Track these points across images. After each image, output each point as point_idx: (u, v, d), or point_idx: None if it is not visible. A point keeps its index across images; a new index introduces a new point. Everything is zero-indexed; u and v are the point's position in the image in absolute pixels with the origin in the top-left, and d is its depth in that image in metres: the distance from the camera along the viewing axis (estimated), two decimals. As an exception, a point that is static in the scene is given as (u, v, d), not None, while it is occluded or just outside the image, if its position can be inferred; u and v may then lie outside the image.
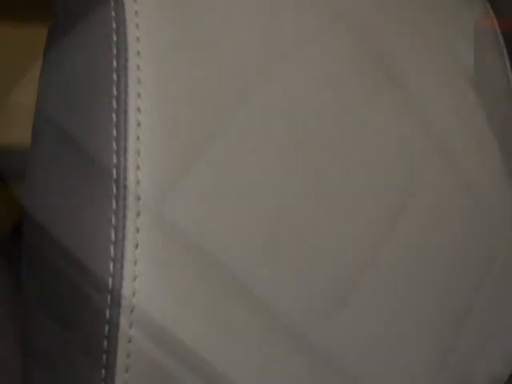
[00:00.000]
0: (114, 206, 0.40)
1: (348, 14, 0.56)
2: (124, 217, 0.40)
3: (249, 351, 0.44)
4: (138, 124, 0.41)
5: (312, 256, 0.50)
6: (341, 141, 0.53)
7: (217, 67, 0.47)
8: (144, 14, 0.42)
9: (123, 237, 0.40)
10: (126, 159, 0.41)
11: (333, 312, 0.50)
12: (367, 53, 0.56)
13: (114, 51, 0.41)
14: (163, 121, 0.43)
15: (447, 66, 0.63)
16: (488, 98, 0.64)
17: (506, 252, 0.63)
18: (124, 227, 0.40)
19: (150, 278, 0.41)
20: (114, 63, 0.41)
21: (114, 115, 0.41)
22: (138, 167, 0.41)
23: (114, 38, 0.41)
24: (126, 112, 0.41)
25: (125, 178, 0.40)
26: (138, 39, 0.42)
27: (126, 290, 0.40)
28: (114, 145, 0.40)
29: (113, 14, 0.41)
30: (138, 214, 0.41)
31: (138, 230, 0.40)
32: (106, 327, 0.39)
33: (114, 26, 0.41)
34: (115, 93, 0.41)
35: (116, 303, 0.39)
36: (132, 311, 0.40)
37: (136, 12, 0.42)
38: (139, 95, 0.41)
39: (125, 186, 0.40)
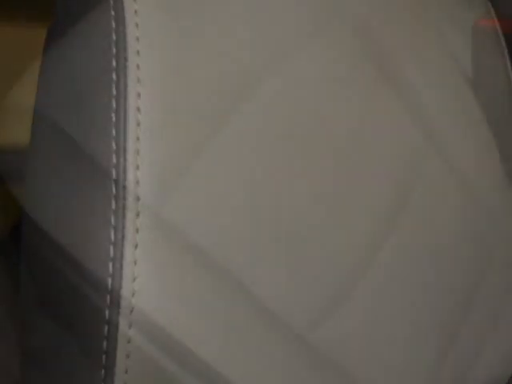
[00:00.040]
0: (113, 206, 0.40)
1: (346, 13, 0.56)
2: (123, 217, 0.40)
3: (248, 352, 0.44)
4: (138, 124, 0.41)
5: (311, 256, 0.50)
6: (340, 140, 0.53)
7: (216, 67, 0.47)
8: (144, 13, 0.42)
9: (123, 237, 0.40)
10: (125, 159, 0.40)
11: (332, 312, 0.50)
12: (366, 52, 0.56)
13: (114, 50, 0.41)
14: (163, 120, 0.43)
15: (446, 66, 0.63)
16: (487, 97, 0.64)
17: (505, 251, 0.63)
18: (123, 227, 0.40)
19: (149, 278, 0.40)
20: (114, 63, 0.41)
21: (113, 115, 0.41)
22: (137, 167, 0.41)
23: (114, 38, 0.41)
24: (125, 112, 0.41)
25: (124, 178, 0.40)
26: (137, 38, 0.42)
27: (125, 291, 0.39)
28: (114, 145, 0.40)
29: (112, 13, 0.41)
30: (138, 215, 0.41)
31: (137, 231, 0.40)
32: (106, 328, 0.39)
33: (114, 25, 0.41)
34: (115, 92, 0.41)
35: (115, 304, 0.39)
36: (131, 312, 0.40)
37: (135, 11, 0.42)
38: (139, 95, 0.41)
39: (124, 186, 0.40)
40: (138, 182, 0.41)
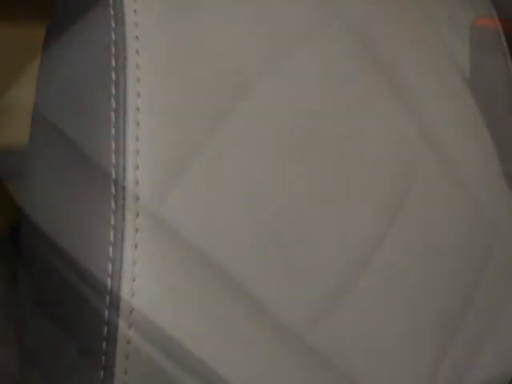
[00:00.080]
0: (112, 206, 0.40)
1: (345, 13, 0.56)
2: (123, 217, 0.40)
3: (247, 352, 0.44)
4: (137, 123, 0.41)
5: (309, 255, 0.49)
6: (338, 140, 0.53)
7: (215, 66, 0.46)
8: (143, 12, 0.42)
9: (122, 237, 0.40)
10: (124, 159, 0.40)
11: (330, 311, 0.50)
12: (364, 53, 0.56)
13: (113, 50, 0.41)
14: (162, 120, 0.43)
15: (445, 66, 0.63)
16: (486, 97, 0.64)
17: (503, 252, 0.63)
18: (123, 228, 0.40)
19: (149, 278, 0.40)
20: (113, 62, 0.41)
21: (112, 114, 0.40)
22: (137, 167, 0.41)
23: (113, 37, 0.41)
24: (125, 111, 0.41)
25: (124, 178, 0.40)
26: (137, 38, 0.41)
27: (124, 291, 0.39)
28: (113, 144, 0.40)
29: (112, 12, 0.41)
30: (137, 215, 0.41)
31: (136, 231, 0.40)
32: (105, 328, 0.39)
33: (113, 24, 0.41)
34: (114, 92, 0.41)
35: (115, 304, 0.39)
36: (131, 312, 0.39)
37: (135, 10, 0.42)
38: (138, 94, 0.41)
39: (124, 186, 0.40)
40: (137, 182, 0.41)
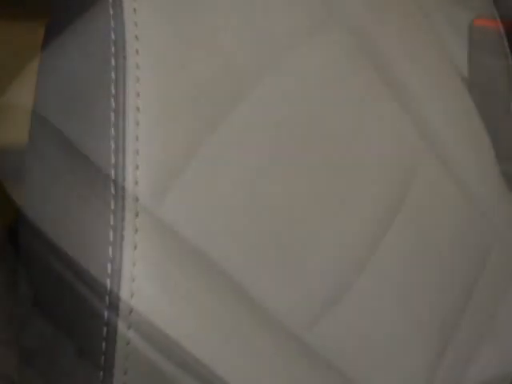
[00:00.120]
0: (112, 206, 0.40)
1: (342, 13, 0.56)
2: (122, 217, 0.40)
3: (245, 352, 0.44)
4: (137, 123, 0.41)
5: (308, 255, 0.49)
6: (337, 141, 0.53)
7: (214, 66, 0.46)
8: (143, 11, 0.42)
9: (121, 238, 0.39)
10: (124, 159, 0.40)
11: (328, 311, 0.50)
12: (361, 52, 0.56)
13: (113, 50, 0.41)
14: (162, 120, 0.43)
15: (443, 66, 0.63)
16: (484, 98, 0.64)
17: (501, 252, 0.63)
18: (122, 228, 0.40)
19: (148, 279, 0.40)
20: (113, 62, 0.41)
21: (112, 114, 0.40)
22: (136, 167, 0.41)
23: (113, 37, 0.41)
24: (124, 111, 0.40)
25: (123, 179, 0.40)
26: (136, 37, 0.41)
27: (124, 292, 0.39)
28: (113, 144, 0.40)
29: (111, 11, 0.41)
30: (137, 215, 0.40)
31: (136, 231, 0.40)
32: (104, 329, 0.39)
33: (113, 24, 0.41)
34: (114, 92, 0.40)
35: (114, 305, 0.39)
36: (130, 313, 0.39)
37: (134, 9, 0.42)
38: (138, 94, 0.41)
39: (123, 187, 0.40)
40: (137, 182, 0.41)
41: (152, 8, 0.43)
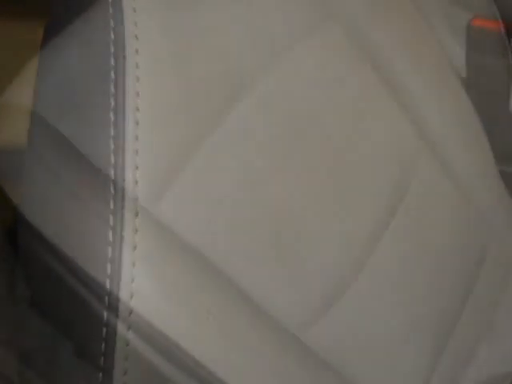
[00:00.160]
0: (111, 206, 0.40)
1: (341, 13, 0.56)
2: (122, 218, 0.39)
3: (244, 352, 0.44)
4: (137, 123, 0.41)
5: (306, 256, 0.49)
6: (335, 140, 0.53)
7: (214, 66, 0.46)
8: (142, 11, 0.42)
9: (121, 238, 0.39)
10: (124, 159, 0.40)
11: (325, 312, 0.50)
12: (360, 52, 0.56)
13: (112, 49, 0.41)
14: (162, 120, 0.42)
15: (441, 66, 0.63)
16: (483, 98, 0.64)
17: (499, 251, 0.63)
18: (122, 228, 0.39)
19: (148, 279, 0.40)
20: (112, 61, 0.40)
21: (111, 114, 0.40)
22: (136, 167, 0.40)
23: (112, 36, 0.41)
24: (124, 111, 0.40)
25: (123, 179, 0.40)
26: (136, 37, 0.41)
27: (123, 292, 0.39)
28: (112, 144, 0.40)
29: (110, 11, 0.41)
30: (136, 215, 0.40)
31: (135, 232, 0.40)
32: (104, 330, 0.39)
33: (112, 23, 0.41)
34: (113, 91, 0.40)
35: (114, 305, 0.39)
36: (130, 314, 0.39)
37: (134, 9, 0.41)
38: (138, 94, 0.41)
39: (123, 187, 0.40)
40: (136, 182, 0.40)
41: (151, 7, 0.43)
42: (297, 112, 0.51)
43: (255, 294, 0.46)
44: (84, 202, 0.40)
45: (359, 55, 0.57)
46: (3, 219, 0.43)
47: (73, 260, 0.40)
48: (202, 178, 0.45)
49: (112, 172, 0.40)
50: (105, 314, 0.39)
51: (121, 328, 0.39)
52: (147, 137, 0.41)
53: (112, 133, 0.40)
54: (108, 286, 0.39)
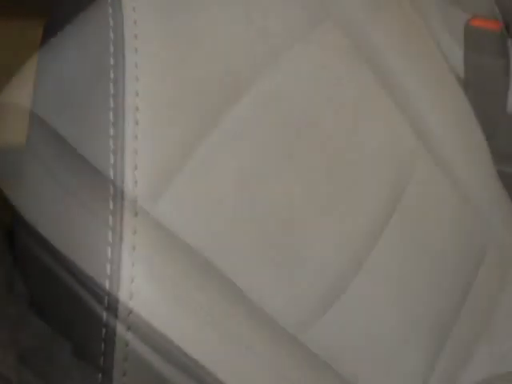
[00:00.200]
0: (111, 206, 0.39)
1: (339, 13, 0.56)
2: (121, 218, 0.39)
3: (245, 354, 0.44)
4: (136, 123, 0.40)
5: (303, 257, 0.49)
6: (333, 140, 0.53)
7: (213, 66, 0.46)
8: (142, 10, 0.42)
9: (120, 238, 0.39)
10: (123, 159, 0.40)
11: (323, 312, 0.50)
12: (358, 52, 0.56)
13: (112, 48, 0.40)
14: (161, 119, 0.42)
15: (439, 66, 0.63)
16: (480, 98, 0.64)
17: (497, 252, 0.63)
18: (121, 229, 0.39)
19: (147, 280, 0.40)
20: (112, 61, 0.40)
21: (111, 114, 0.40)
22: (135, 167, 0.40)
23: (112, 35, 0.40)
24: (123, 110, 0.40)
25: (122, 179, 0.40)
26: (135, 36, 0.41)
27: (122, 292, 0.39)
28: (112, 144, 0.40)
29: (110, 10, 0.41)
30: (136, 215, 0.40)
31: (135, 232, 0.40)
32: (103, 330, 0.39)
33: (112, 22, 0.40)
34: (112, 91, 0.40)
35: (113, 306, 0.39)
36: (129, 314, 0.39)
37: (134, 8, 0.41)
38: (137, 93, 0.41)
39: (122, 187, 0.40)
40: (136, 182, 0.40)
41: (151, 7, 0.43)
42: (295, 112, 0.51)
43: (254, 294, 0.46)
44: (83, 202, 0.40)
45: (358, 55, 0.56)
46: (1, 219, 0.43)
47: (72, 260, 0.40)
48: (201, 177, 0.45)
49: (111, 172, 0.40)
50: (104, 315, 0.39)
51: (120, 328, 0.39)
52: (147, 136, 0.41)
53: (111, 132, 0.40)
54: (107, 286, 0.39)
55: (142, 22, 0.42)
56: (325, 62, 0.54)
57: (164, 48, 0.43)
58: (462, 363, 0.59)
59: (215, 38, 0.47)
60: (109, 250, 0.39)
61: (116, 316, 0.39)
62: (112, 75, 0.40)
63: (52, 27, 0.42)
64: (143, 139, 0.41)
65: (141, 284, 0.40)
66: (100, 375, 0.39)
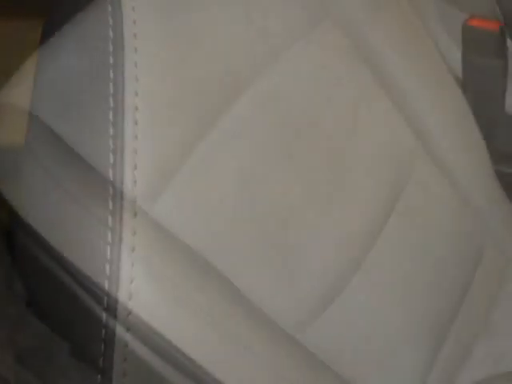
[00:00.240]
0: (110, 207, 0.39)
1: (337, 13, 0.56)
2: (121, 218, 0.39)
3: (243, 354, 0.44)
4: (136, 122, 0.40)
5: (301, 257, 0.49)
6: (331, 141, 0.53)
7: (211, 65, 0.46)
8: (141, 9, 0.42)
9: (120, 239, 0.39)
10: (123, 158, 0.40)
11: (323, 313, 0.50)
12: (357, 53, 0.56)
13: (111, 48, 0.40)
14: (160, 119, 0.42)
15: (437, 67, 0.63)
16: (478, 98, 0.64)
17: (494, 252, 0.63)
18: (121, 229, 0.39)
19: (146, 280, 0.40)
20: (111, 60, 0.40)
21: (110, 113, 0.40)
22: (135, 167, 0.40)
23: (111, 34, 0.40)
24: (123, 110, 0.40)
25: (122, 179, 0.40)
26: (135, 35, 0.41)
27: (122, 293, 0.39)
28: (111, 144, 0.40)
29: (109, 9, 0.40)
30: (135, 216, 0.40)
31: (134, 232, 0.40)
32: (103, 331, 0.39)
33: (111, 21, 0.40)
34: (112, 90, 0.40)
35: (112, 306, 0.39)
36: (128, 315, 0.39)
37: (133, 7, 0.41)
38: (136, 93, 0.41)
39: (122, 187, 0.40)
40: (135, 182, 0.40)
41: (151, 6, 0.42)
42: (294, 111, 0.51)
43: (253, 294, 0.45)
44: (82, 203, 0.40)
45: (357, 55, 0.56)
46: (1, 220, 0.43)
47: (71, 261, 0.39)
48: (200, 177, 0.45)
49: (111, 172, 0.39)
50: (103, 315, 0.39)
51: (119, 329, 0.39)
52: (146, 136, 0.41)
53: (111, 132, 0.40)
54: (107, 286, 0.39)
55: (142, 21, 0.41)
56: (324, 61, 0.54)
57: (164, 48, 0.43)
58: (461, 363, 0.59)
59: (215, 37, 0.46)
60: (108, 250, 0.39)
61: (115, 317, 0.39)
62: (111, 75, 0.40)
63: (51, 26, 0.41)
64: (143, 139, 0.41)
65: (140, 285, 0.39)
66: (99, 376, 0.39)
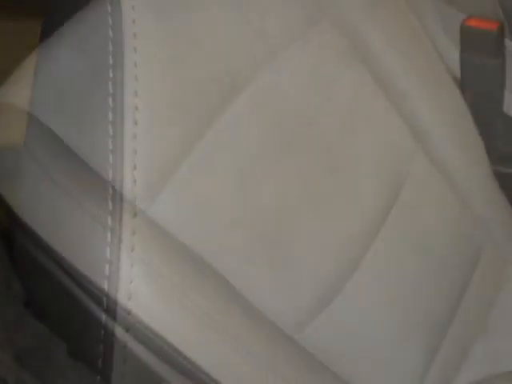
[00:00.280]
0: (110, 207, 0.39)
1: (336, 13, 0.56)
2: (120, 218, 0.39)
3: (242, 354, 0.44)
4: (135, 122, 0.40)
5: (299, 257, 0.49)
6: (328, 141, 0.53)
7: (210, 65, 0.46)
8: (141, 9, 0.41)
9: (119, 239, 0.39)
10: (122, 158, 0.40)
11: (321, 313, 0.50)
12: (355, 52, 0.56)
13: (110, 47, 0.40)
14: (160, 119, 0.42)
15: (435, 67, 0.63)
16: (476, 98, 0.64)
17: (492, 252, 0.63)
18: (120, 229, 0.39)
19: (146, 280, 0.40)
20: (110, 60, 0.40)
21: (110, 113, 0.40)
22: (134, 167, 0.40)
23: (110, 34, 0.40)
24: (122, 110, 0.40)
25: (121, 179, 0.40)
26: (134, 35, 0.41)
27: (121, 293, 0.39)
28: (111, 144, 0.40)
29: (109, 8, 0.40)
30: (134, 216, 0.40)
31: (133, 233, 0.40)
32: (102, 332, 0.39)
33: (111, 21, 0.40)
34: (111, 90, 0.40)
35: (112, 307, 0.39)
36: (128, 315, 0.39)
37: (133, 7, 0.41)
38: (136, 93, 0.40)
39: (121, 187, 0.40)
40: (135, 182, 0.40)
41: (150, 6, 0.42)
42: (292, 111, 0.51)
43: (251, 294, 0.46)
44: (81, 203, 0.40)
45: (355, 55, 0.56)
46: (0, 221, 0.42)
47: (70, 261, 0.39)
48: (199, 177, 0.44)
49: (110, 172, 0.39)
50: (103, 316, 0.39)
51: (119, 330, 0.39)
52: (146, 136, 0.41)
53: (110, 132, 0.40)
54: (106, 287, 0.38)
55: (141, 21, 0.41)
56: (322, 61, 0.54)
57: (163, 47, 0.43)
58: (459, 363, 0.59)
59: (214, 38, 0.46)
60: (108, 250, 0.39)
61: (114, 317, 0.39)
62: (111, 74, 0.40)
63: (50, 26, 0.41)
64: (142, 139, 0.41)
65: (140, 285, 0.39)
66: (98, 377, 0.39)
